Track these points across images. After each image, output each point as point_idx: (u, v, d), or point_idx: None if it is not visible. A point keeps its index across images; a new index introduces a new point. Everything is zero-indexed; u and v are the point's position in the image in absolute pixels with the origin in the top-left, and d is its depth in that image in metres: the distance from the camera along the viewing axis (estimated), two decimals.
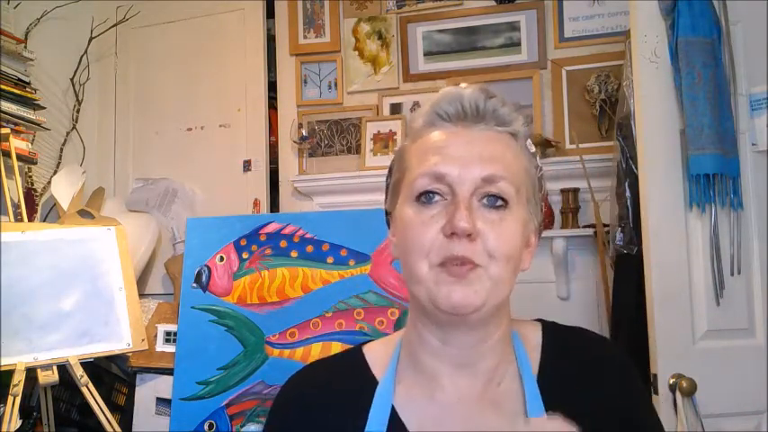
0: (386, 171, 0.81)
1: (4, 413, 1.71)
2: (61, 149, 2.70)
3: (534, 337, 0.79)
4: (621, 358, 0.80)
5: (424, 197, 0.69)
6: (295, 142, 2.73)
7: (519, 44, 2.55)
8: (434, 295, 0.67)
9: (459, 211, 0.66)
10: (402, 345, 0.78)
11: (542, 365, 0.76)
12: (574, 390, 0.74)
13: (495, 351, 0.74)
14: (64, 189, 2.34)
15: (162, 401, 2.04)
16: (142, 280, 2.61)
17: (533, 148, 0.75)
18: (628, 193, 1.92)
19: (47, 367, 1.80)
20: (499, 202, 0.68)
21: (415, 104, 2.63)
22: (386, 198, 0.79)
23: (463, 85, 0.74)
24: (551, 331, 0.81)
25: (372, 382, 0.76)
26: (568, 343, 0.79)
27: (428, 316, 0.71)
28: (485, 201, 0.68)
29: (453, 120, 0.72)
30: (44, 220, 2.49)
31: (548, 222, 2.31)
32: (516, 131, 0.73)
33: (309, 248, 2.00)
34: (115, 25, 2.87)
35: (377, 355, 0.80)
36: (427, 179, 0.69)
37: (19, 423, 1.70)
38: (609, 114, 2.37)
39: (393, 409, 0.73)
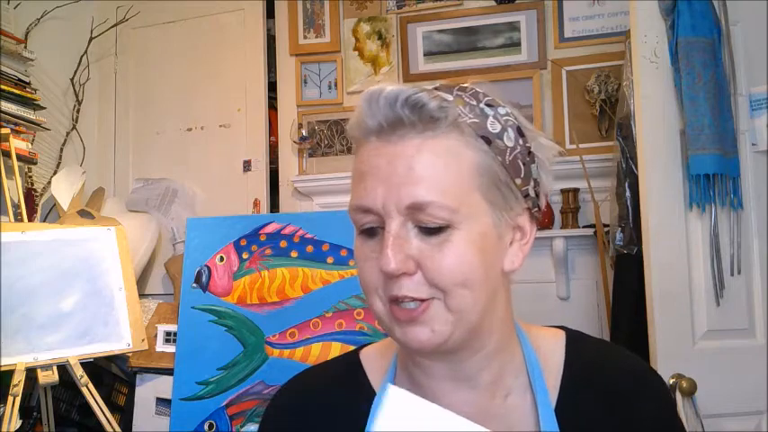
0: None
1: (4, 413, 1.71)
2: (61, 149, 2.70)
3: (555, 349, 0.71)
4: (662, 391, 0.71)
5: (366, 231, 0.62)
6: (295, 142, 2.73)
7: (519, 44, 2.55)
8: (394, 334, 0.63)
9: (385, 253, 0.58)
10: (398, 356, 0.72)
11: (564, 386, 0.68)
12: (599, 420, 0.67)
13: (496, 360, 0.67)
14: (64, 189, 2.34)
15: (162, 401, 2.04)
16: (142, 280, 2.61)
17: (498, 126, 0.61)
18: (628, 193, 1.92)
19: (47, 367, 1.80)
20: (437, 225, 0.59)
21: None
22: None
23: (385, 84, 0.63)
24: (578, 344, 0.72)
25: (370, 394, 0.71)
26: (599, 363, 0.70)
27: None
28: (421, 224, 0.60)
29: (375, 132, 0.60)
30: (44, 220, 2.49)
31: (548, 222, 2.31)
32: (456, 122, 0.59)
33: (309, 248, 2.00)
34: (115, 25, 2.87)
35: (374, 363, 0.75)
36: (358, 213, 0.62)
37: (19, 423, 1.70)
38: (609, 114, 2.37)
39: None
